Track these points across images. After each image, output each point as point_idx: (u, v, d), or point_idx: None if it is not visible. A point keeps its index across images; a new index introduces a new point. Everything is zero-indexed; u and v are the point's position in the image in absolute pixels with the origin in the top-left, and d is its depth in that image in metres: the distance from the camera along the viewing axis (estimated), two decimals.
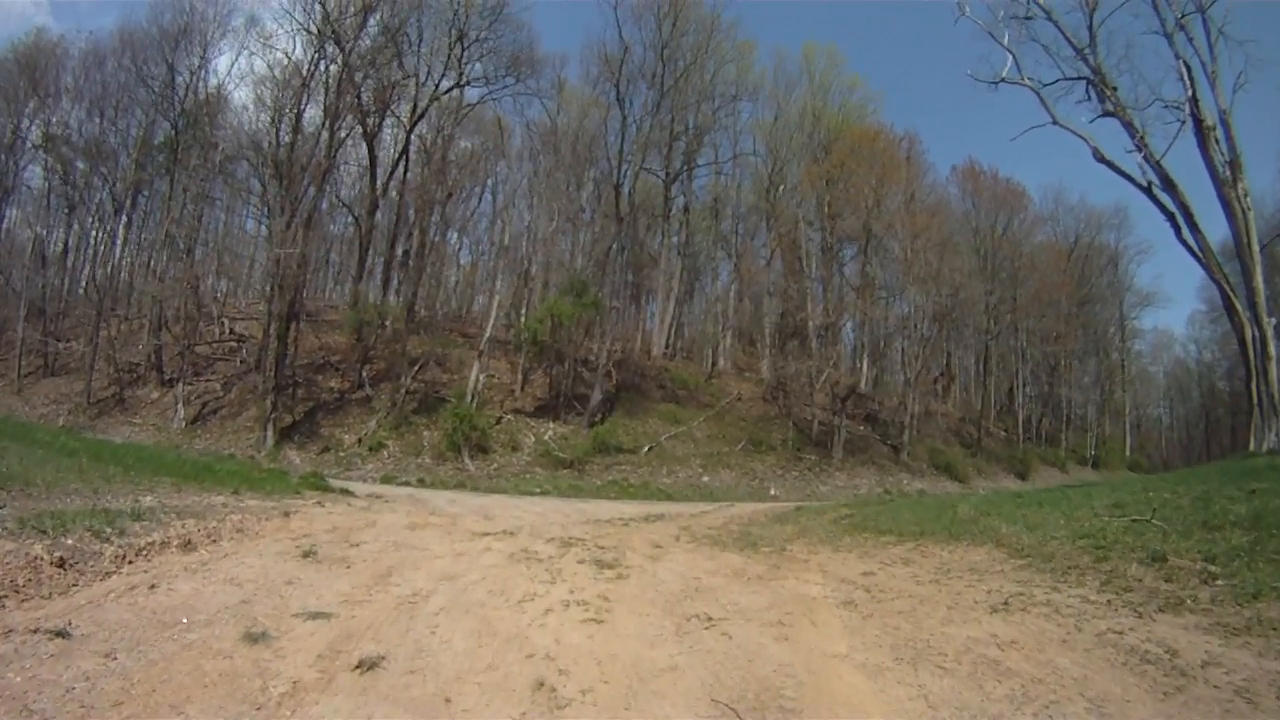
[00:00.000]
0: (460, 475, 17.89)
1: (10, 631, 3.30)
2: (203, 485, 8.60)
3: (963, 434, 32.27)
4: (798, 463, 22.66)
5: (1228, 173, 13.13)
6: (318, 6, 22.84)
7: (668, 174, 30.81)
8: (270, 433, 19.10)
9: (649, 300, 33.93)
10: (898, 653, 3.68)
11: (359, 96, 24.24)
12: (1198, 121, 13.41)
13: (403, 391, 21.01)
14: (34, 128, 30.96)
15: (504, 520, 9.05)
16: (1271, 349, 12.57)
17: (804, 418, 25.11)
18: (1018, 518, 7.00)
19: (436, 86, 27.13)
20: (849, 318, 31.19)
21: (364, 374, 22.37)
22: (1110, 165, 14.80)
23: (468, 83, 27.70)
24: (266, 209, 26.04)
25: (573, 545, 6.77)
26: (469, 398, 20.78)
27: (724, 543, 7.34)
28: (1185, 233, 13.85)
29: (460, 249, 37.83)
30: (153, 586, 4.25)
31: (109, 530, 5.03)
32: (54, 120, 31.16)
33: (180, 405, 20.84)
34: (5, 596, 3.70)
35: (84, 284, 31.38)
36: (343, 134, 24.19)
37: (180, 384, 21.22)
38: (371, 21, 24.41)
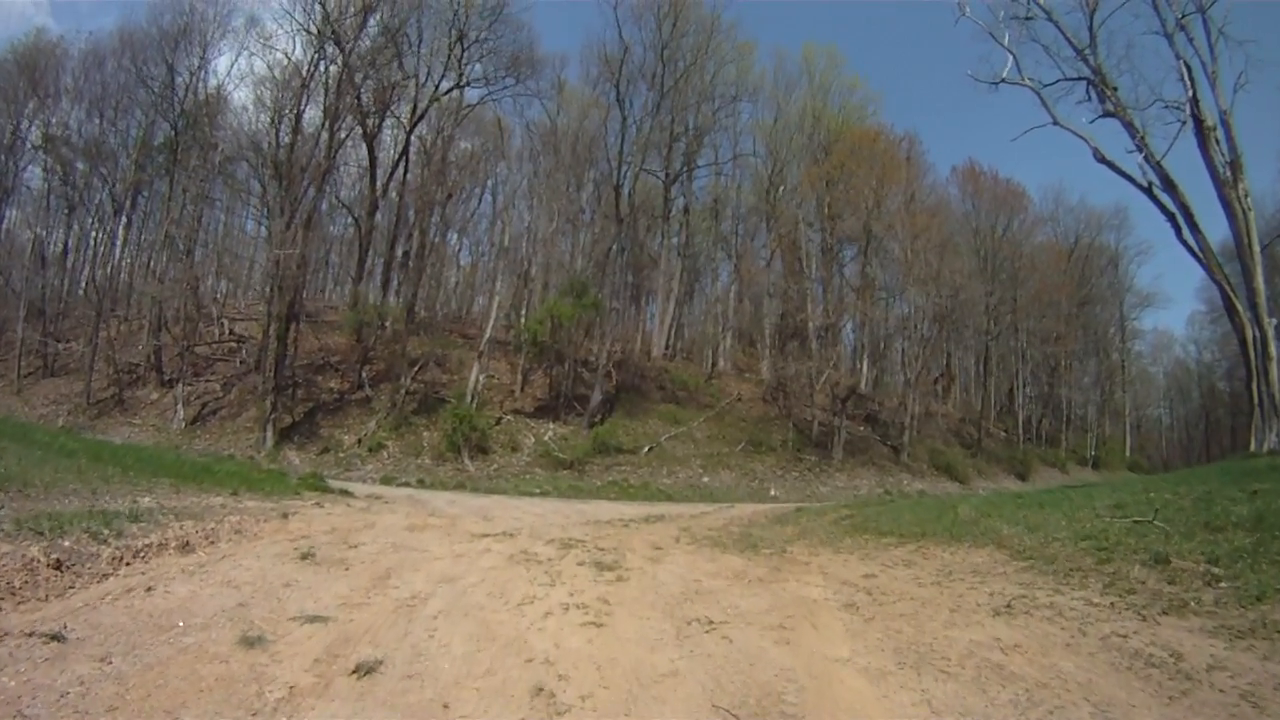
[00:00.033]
0: (460, 476, 17.86)
1: (5, 635, 3.27)
2: (201, 486, 8.58)
3: (963, 434, 32.25)
4: (798, 463, 22.64)
5: (1228, 173, 13.11)
6: (318, 7, 22.85)
7: (668, 175, 30.80)
8: (270, 433, 19.08)
9: (649, 301, 33.92)
10: (900, 657, 3.65)
11: (359, 97, 24.23)
12: (1198, 122, 13.39)
13: (402, 392, 20.98)
14: (34, 128, 31.00)
15: (503, 521, 9.03)
16: (1272, 349, 12.54)
17: (804, 418, 25.09)
18: (1019, 519, 6.97)
19: (436, 87, 27.14)
20: (849, 318, 31.18)
21: (364, 375, 22.35)
22: (1111, 166, 14.79)
23: (468, 83, 27.73)
24: (266, 210, 26.04)
25: (572, 547, 6.74)
26: (469, 398, 20.75)
27: (724, 544, 7.32)
28: (1186, 233, 13.84)
29: (460, 250, 37.92)
30: (149, 589, 4.22)
31: (106, 532, 5.00)
32: (54, 121, 31.21)
33: (180, 406, 20.82)
34: (1, 599, 3.67)
35: (84, 285, 31.37)
36: (342, 135, 24.19)
37: (180, 385, 21.21)
38: (371, 22, 24.45)
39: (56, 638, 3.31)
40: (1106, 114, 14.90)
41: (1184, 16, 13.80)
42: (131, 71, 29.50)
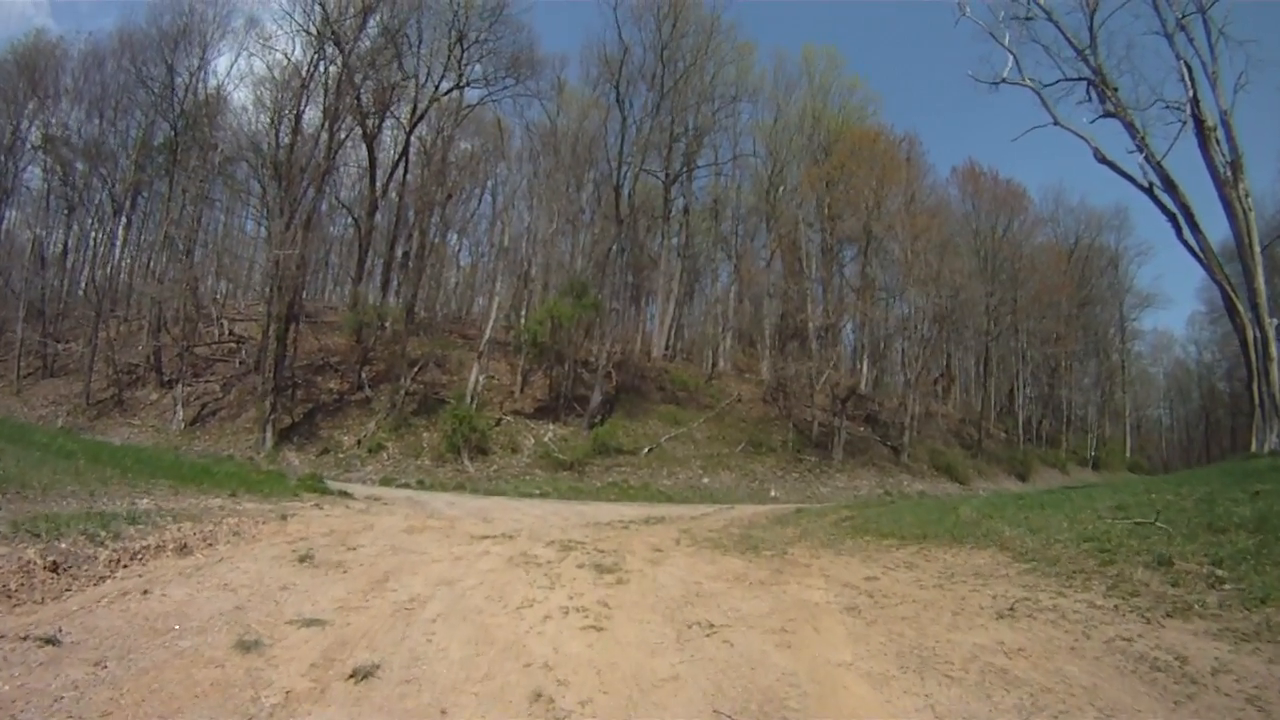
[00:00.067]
0: (460, 477, 17.83)
1: (0, 638, 3.24)
2: (200, 488, 8.56)
3: (963, 435, 32.23)
4: (798, 464, 22.60)
5: (1229, 173, 13.09)
6: (317, 8, 22.82)
7: (667, 175, 30.78)
8: (269, 434, 19.05)
9: (649, 302, 33.90)
10: (903, 661, 3.62)
11: (358, 98, 24.22)
12: (1199, 122, 13.37)
13: (402, 393, 20.96)
14: (33, 129, 30.99)
15: (503, 523, 9.01)
16: (1273, 350, 12.52)
17: (804, 419, 25.06)
18: (1020, 520, 6.95)
19: (436, 88, 27.13)
20: (849, 319, 31.14)
21: (363, 375, 22.32)
22: (1111, 166, 14.77)
23: (467, 84, 27.71)
24: (266, 210, 26.02)
25: (572, 549, 6.71)
26: (468, 399, 20.72)
27: (725, 546, 7.29)
28: (1186, 233, 13.82)
29: (460, 250, 37.88)
30: (145, 592, 4.19)
31: (103, 534, 4.98)
32: (53, 121, 31.18)
33: (179, 407, 20.79)
34: None
35: (83, 285, 31.32)
36: (342, 135, 24.16)
37: (179, 385, 21.18)
38: (371, 23, 24.42)
39: (51, 641, 3.28)
40: (1107, 114, 14.89)
41: (1184, 16, 13.79)
42: (131, 72, 29.51)
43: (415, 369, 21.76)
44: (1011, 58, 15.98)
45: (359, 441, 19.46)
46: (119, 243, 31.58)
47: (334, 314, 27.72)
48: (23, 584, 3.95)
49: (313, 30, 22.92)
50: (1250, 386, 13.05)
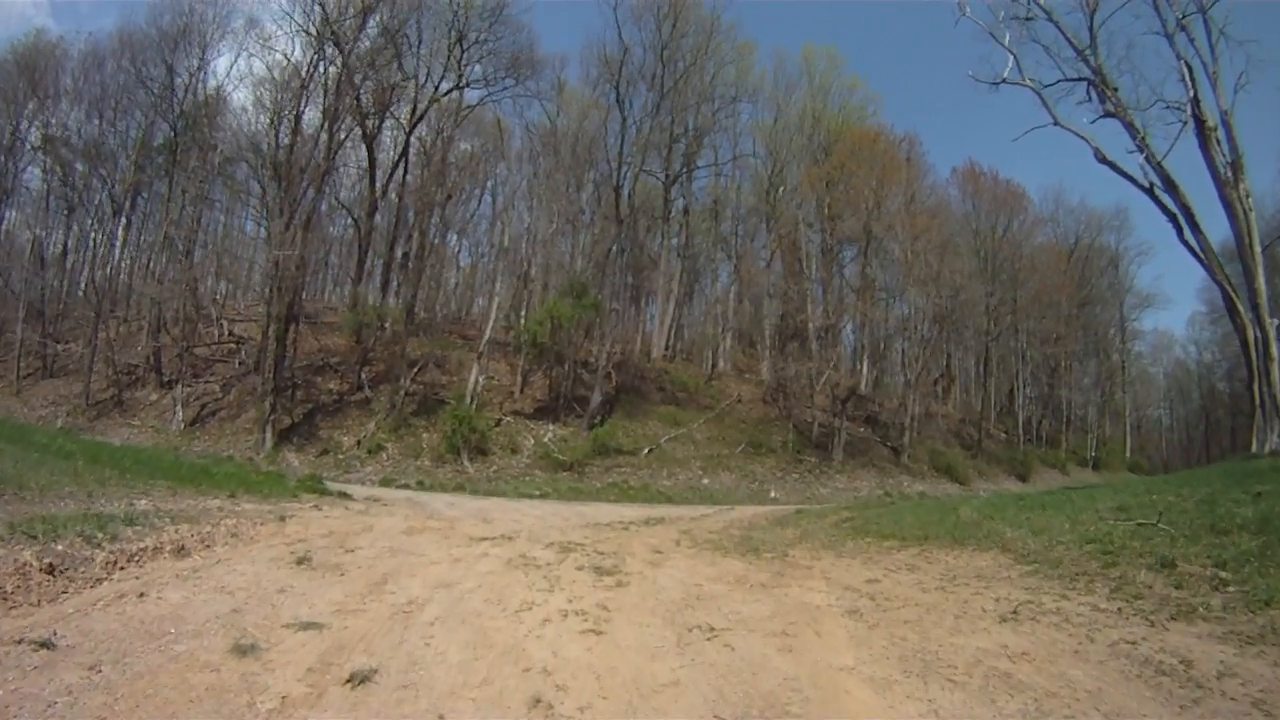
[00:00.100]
0: (459, 478, 17.80)
1: None
2: (199, 488, 8.52)
3: (963, 436, 32.19)
4: (798, 465, 22.57)
5: (1229, 173, 13.06)
6: (317, 8, 22.80)
7: (667, 175, 30.76)
8: (269, 435, 19.02)
9: (649, 302, 33.88)
10: (906, 665, 3.59)
11: (358, 98, 24.19)
12: (1199, 122, 13.34)
13: (402, 393, 20.92)
14: (33, 129, 30.96)
15: (502, 524, 8.98)
16: (1274, 350, 12.47)
17: (804, 420, 25.03)
18: (1022, 521, 6.91)
19: (436, 88, 27.10)
20: (849, 319, 31.12)
21: (363, 376, 22.29)
22: (1112, 166, 14.73)
23: (467, 84, 27.69)
24: (266, 211, 25.98)
25: (571, 551, 6.68)
26: (468, 400, 20.69)
27: (725, 548, 7.25)
28: (1187, 233, 13.78)
29: (460, 251, 37.87)
30: (142, 595, 4.16)
31: (101, 536, 4.94)
32: (53, 122, 31.16)
33: (179, 407, 20.76)
34: None
35: (83, 285, 31.27)
36: (342, 136, 24.13)
37: (179, 386, 21.16)
38: (371, 23, 24.40)
39: (46, 645, 3.25)
40: (1107, 114, 14.85)
41: (1184, 17, 13.76)
42: (131, 72, 29.49)
43: (415, 369, 21.73)
44: (1011, 58, 15.95)
45: (359, 442, 19.43)
46: (119, 243, 31.57)
47: (334, 314, 27.70)
48: (19, 586, 3.92)
49: (312, 30, 22.91)
50: (1251, 387, 13.01)
